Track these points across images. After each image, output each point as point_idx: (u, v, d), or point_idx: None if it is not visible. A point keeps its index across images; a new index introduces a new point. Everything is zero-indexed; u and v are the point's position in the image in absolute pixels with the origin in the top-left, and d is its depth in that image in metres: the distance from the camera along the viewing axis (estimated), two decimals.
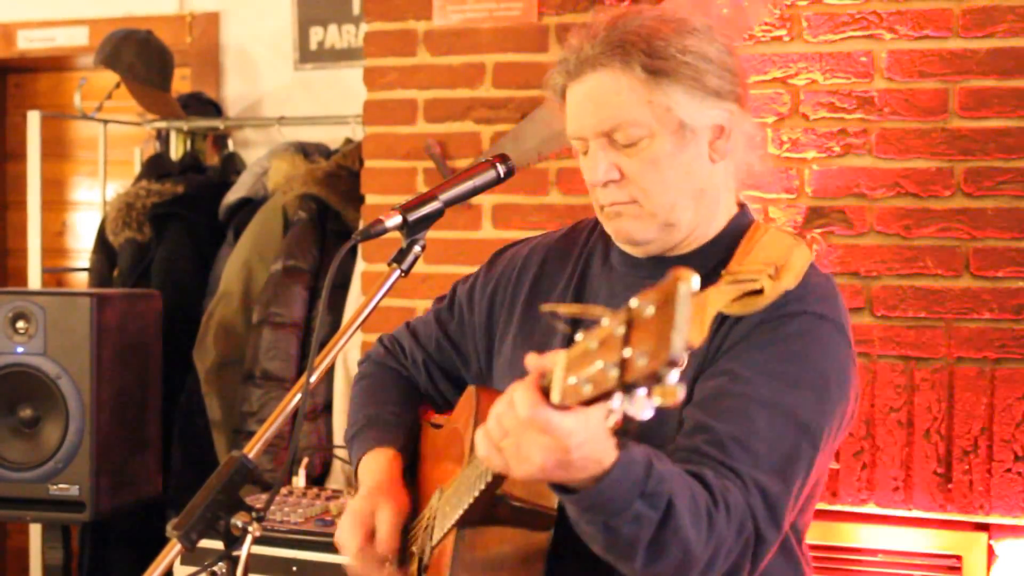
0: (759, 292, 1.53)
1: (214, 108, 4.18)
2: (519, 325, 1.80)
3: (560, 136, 3.05)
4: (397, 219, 1.59)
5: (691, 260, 1.67)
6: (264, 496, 2.97)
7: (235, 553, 1.44)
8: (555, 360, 1.19)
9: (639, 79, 1.58)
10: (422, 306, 3.18)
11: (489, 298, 1.86)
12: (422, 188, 3.18)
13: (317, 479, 3.42)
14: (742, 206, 1.73)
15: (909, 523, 2.77)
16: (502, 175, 1.68)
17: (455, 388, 1.90)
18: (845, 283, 2.76)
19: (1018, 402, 2.71)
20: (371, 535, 1.69)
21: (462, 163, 3.15)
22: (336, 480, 3.42)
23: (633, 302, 1.06)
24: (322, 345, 1.61)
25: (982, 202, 2.75)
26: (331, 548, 2.76)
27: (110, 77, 4.04)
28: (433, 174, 3.18)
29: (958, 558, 2.71)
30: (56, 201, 4.66)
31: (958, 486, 2.73)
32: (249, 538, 1.44)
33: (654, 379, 1.03)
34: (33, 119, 3.81)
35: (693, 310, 1.01)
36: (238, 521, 1.44)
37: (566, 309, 1.11)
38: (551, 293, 1.79)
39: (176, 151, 4.17)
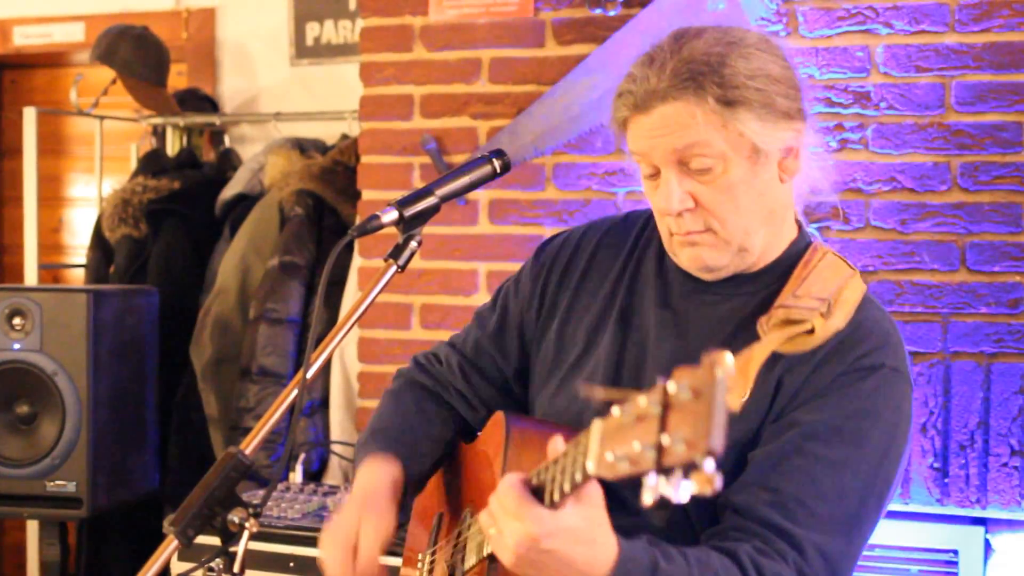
0: (810, 331, 1.54)
1: (210, 104, 4.18)
2: (563, 315, 1.80)
3: (556, 131, 3.06)
4: (393, 215, 1.59)
5: (751, 282, 1.67)
6: (261, 492, 2.99)
7: (232, 549, 1.44)
8: (590, 428, 1.20)
9: (712, 110, 1.54)
10: (419, 302, 3.18)
11: (543, 284, 1.84)
12: (418, 184, 3.18)
13: (314, 475, 3.42)
14: (799, 225, 1.72)
15: (906, 518, 2.77)
16: (498, 170, 1.68)
17: (496, 390, 1.89)
18: None
19: (1014, 396, 2.71)
20: (355, 551, 1.66)
21: (458, 158, 3.15)
22: (333, 476, 3.41)
23: (671, 386, 1.07)
24: (319, 341, 1.61)
25: (978, 197, 2.75)
26: None
27: (106, 73, 4.04)
28: (429, 169, 3.17)
29: (955, 552, 2.72)
30: (52, 197, 4.66)
31: (955, 481, 2.74)
32: (246, 534, 1.44)
33: (691, 466, 1.04)
34: (29, 115, 3.81)
35: (734, 379, 1.03)
36: (235, 517, 1.44)
37: (603, 394, 1.13)
38: (599, 289, 1.79)
39: (172, 147, 4.16)
